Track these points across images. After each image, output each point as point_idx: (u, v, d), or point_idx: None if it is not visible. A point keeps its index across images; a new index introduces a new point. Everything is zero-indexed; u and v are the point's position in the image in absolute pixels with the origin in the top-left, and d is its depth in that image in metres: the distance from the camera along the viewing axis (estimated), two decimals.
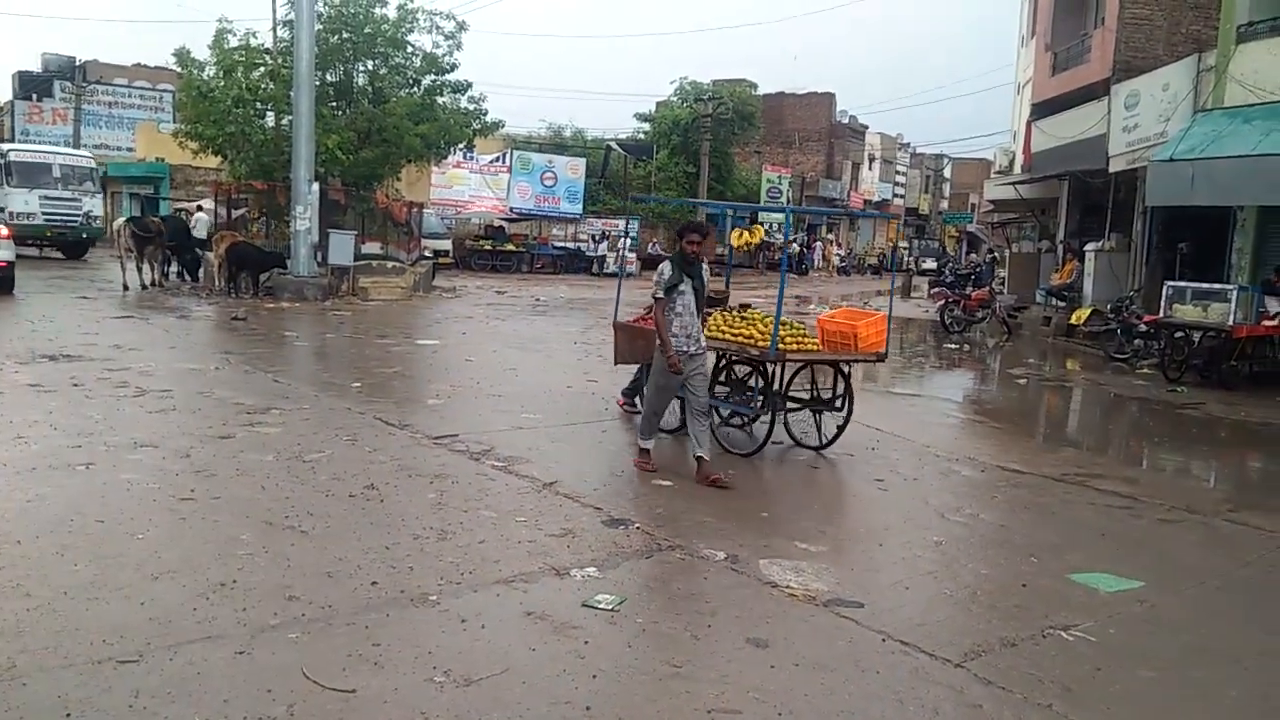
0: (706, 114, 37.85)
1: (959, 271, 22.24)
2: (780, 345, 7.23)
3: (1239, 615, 4.96)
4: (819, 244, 47.88)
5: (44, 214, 23.46)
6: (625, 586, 4.57)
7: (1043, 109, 21.88)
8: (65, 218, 23.58)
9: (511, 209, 34.68)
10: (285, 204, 18.98)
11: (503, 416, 8.36)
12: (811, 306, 22.74)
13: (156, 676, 3.47)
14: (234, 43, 19.96)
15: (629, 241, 35.16)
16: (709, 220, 39.02)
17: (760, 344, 7.37)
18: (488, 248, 32.06)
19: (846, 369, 7.87)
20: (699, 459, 6.60)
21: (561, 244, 34.90)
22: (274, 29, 21.29)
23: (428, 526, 5.27)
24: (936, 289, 20.17)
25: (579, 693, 3.56)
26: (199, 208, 25.81)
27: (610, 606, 4.32)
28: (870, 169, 57.20)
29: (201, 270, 18.96)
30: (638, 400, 8.48)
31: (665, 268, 6.63)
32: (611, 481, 6.48)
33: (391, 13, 20.61)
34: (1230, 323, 12.61)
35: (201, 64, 20.16)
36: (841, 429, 7.83)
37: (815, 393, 7.96)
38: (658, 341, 6.64)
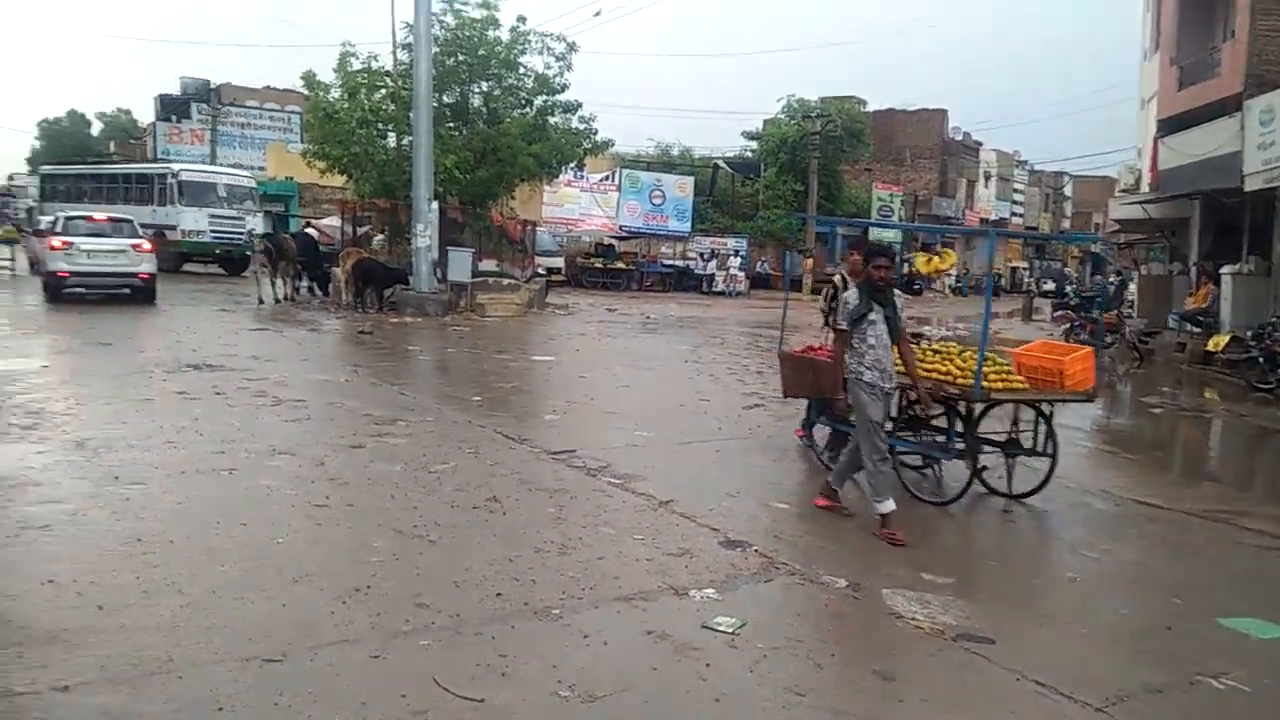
0: (815, 131, 37.51)
1: (1083, 294, 21.32)
2: (984, 383, 6.46)
3: None
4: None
5: (212, 231, 24.87)
6: (745, 610, 4.54)
7: (1170, 125, 20.84)
8: (230, 235, 24.84)
9: (621, 227, 35.10)
10: (406, 222, 19.65)
11: (618, 433, 8.45)
12: (928, 328, 22.17)
13: (299, 676, 3.63)
14: (357, 66, 20.80)
15: (739, 260, 35.15)
16: (817, 239, 38.70)
17: (960, 381, 6.63)
18: (598, 265, 32.51)
19: (1048, 409, 6.99)
20: (831, 488, 6.33)
21: (670, 262, 35.12)
22: (394, 52, 22.15)
23: (548, 540, 5.36)
24: (1060, 312, 19.42)
25: (703, 715, 3.56)
26: (307, 224, 27.05)
27: (731, 629, 4.30)
28: (986, 186, 55.62)
29: (330, 285, 19.81)
30: (815, 434, 7.98)
31: (851, 295, 6.05)
32: (727, 502, 6.45)
33: (504, 35, 21.18)
34: None
35: (327, 86, 21.07)
36: (1047, 478, 6.89)
37: (1013, 435, 7.08)
38: (851, 375, 6.02)
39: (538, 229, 28.60)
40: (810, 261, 37.45)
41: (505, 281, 20.86)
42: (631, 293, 30.68)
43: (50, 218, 22.26)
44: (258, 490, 6.01)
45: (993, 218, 54.91)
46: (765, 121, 43.07)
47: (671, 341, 17.18)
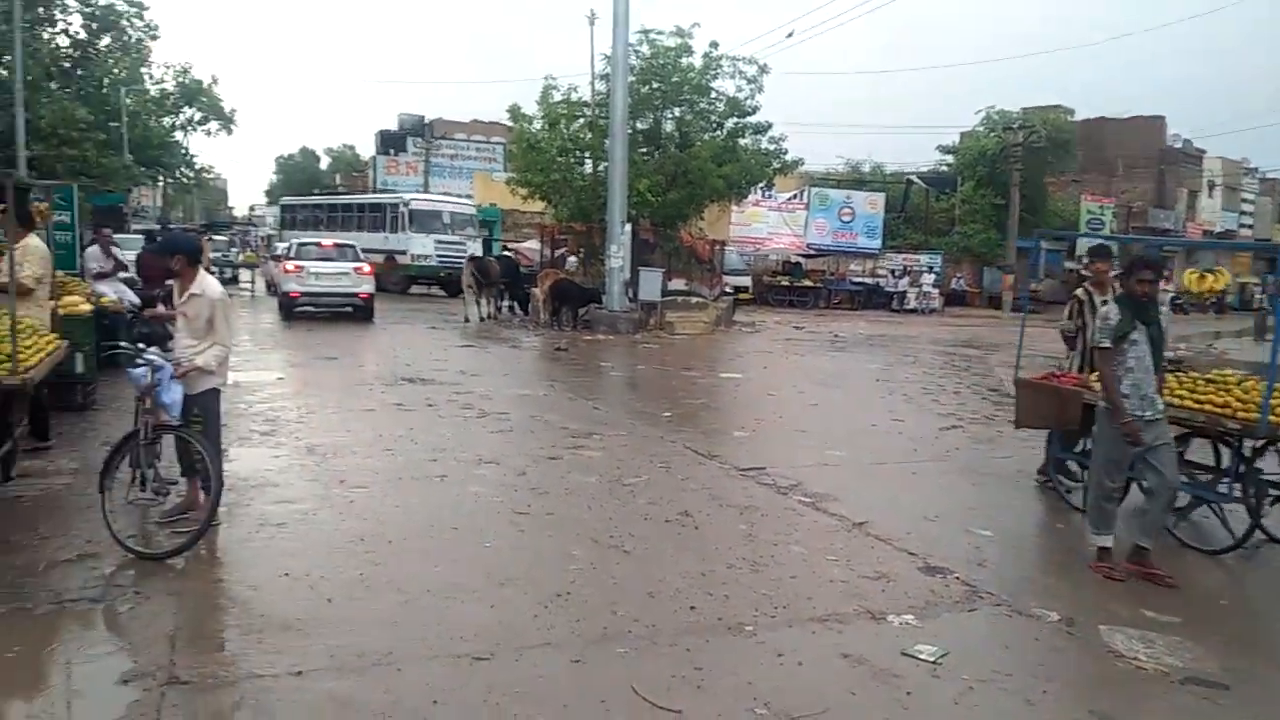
0: (1016, 143, 35.64)
1: None
2: (1272, 417, 5.64)
3: None
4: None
5: (437, 256, 26.80)
6: (947, 639, 4.37)
7: None
8: (454, 259, 26.41)
9: (809, 245, 34.68)
10: (600, 243, 20.29)
11: (808, 452, 8.34)
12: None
13: (506, 675, 3.82)
14: (558, 97, 21.73)
15: (933, 277, 33.94)
16: (1019, 254, 36.70)
17: (1242, 415, 5.79)
18: (785, 283, 32.24)
19: None
20: (1141, 548, 5.49)
21: (859, 279, 34.34)
22: (592, 83, 22.95)
23: (740, 557, 5.37)
24: None
25: None
26: (506, 248, 28.45)
27: (932, 658, 4.15)
28: (1210, 196, 50.94)
29: (529, 304, 20.72)
30: (1056, 474, 7.27)
31: (1111, 311, 5.53)
32: (925, 526, 6.22)
33: (697, 61, 21.48)
34: None
35: (530, 118, 22.13)
36: None
37: None
38: (1100, 404, 5.56)
39: (725, 248, 28.73)
40: (1010, 278, 35.63)
41: (694, 300, 21.09)
42: (818, 311, 30.22)
43: (285, 244, 24.62)
44: (466, 496, 6.36)
45: (1217, 230, 50.23)
46: (962, 134, 41.41)
47: (861, 360, 16.79)
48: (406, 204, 27.63)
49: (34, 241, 7.21)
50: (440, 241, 26.86)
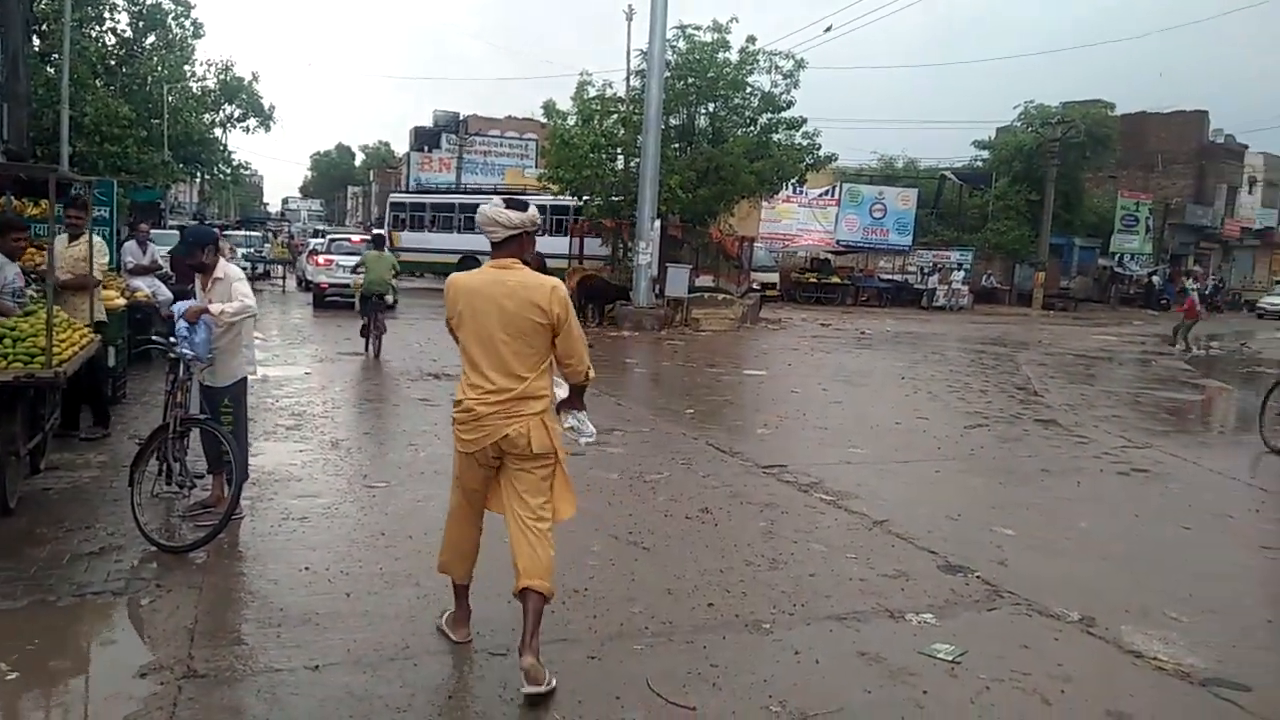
0: (1054, 138, 35.14)
1: None
2: None
3: None
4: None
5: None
6: (965, 638, 4.34)
7: None
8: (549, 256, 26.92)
9: (838, 242, 34.47)
10: (630, 240, 20.30)
11: (830, 450, 8.31)
12: (1175, 348, 20.25)
13: (518, 671, 3.83)
14: (592, 93, 21.76)
15: (962, 274, 33.62)
16: (1051, 252, 36.22)
17: None
18: (813, 280, 32.11)
19: None
20: None
21: (888, 276, 34.10)
22: (628, 78, 22.96)
23: (759, 554, 5.36)
24: None
25: None
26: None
27: (950, 657, 4.12)
28: (1250, 193, 49.94)
29: None
30: None
31: None
32: (946, 525, 6.18)
33: (734, 56, 21.40)
34: None
35: (564, 114, 22.17)
36: None
37: None
38: None
39: (754, 245, 28.65)
40: (1041, 275, 35.22)
41: (720, 297, 21.08)
42: (846, 308, 30.04)
43: (320, 240, 24.95)
44: None
45: (1256, 227, 49.26)
46: (999, 130, 40.90)
47: (887, 357, 16.69)
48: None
49: (97, 238, 7.48)
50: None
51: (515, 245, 3.79)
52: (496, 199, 3.94)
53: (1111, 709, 3.75)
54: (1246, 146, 49.01)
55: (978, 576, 5.19)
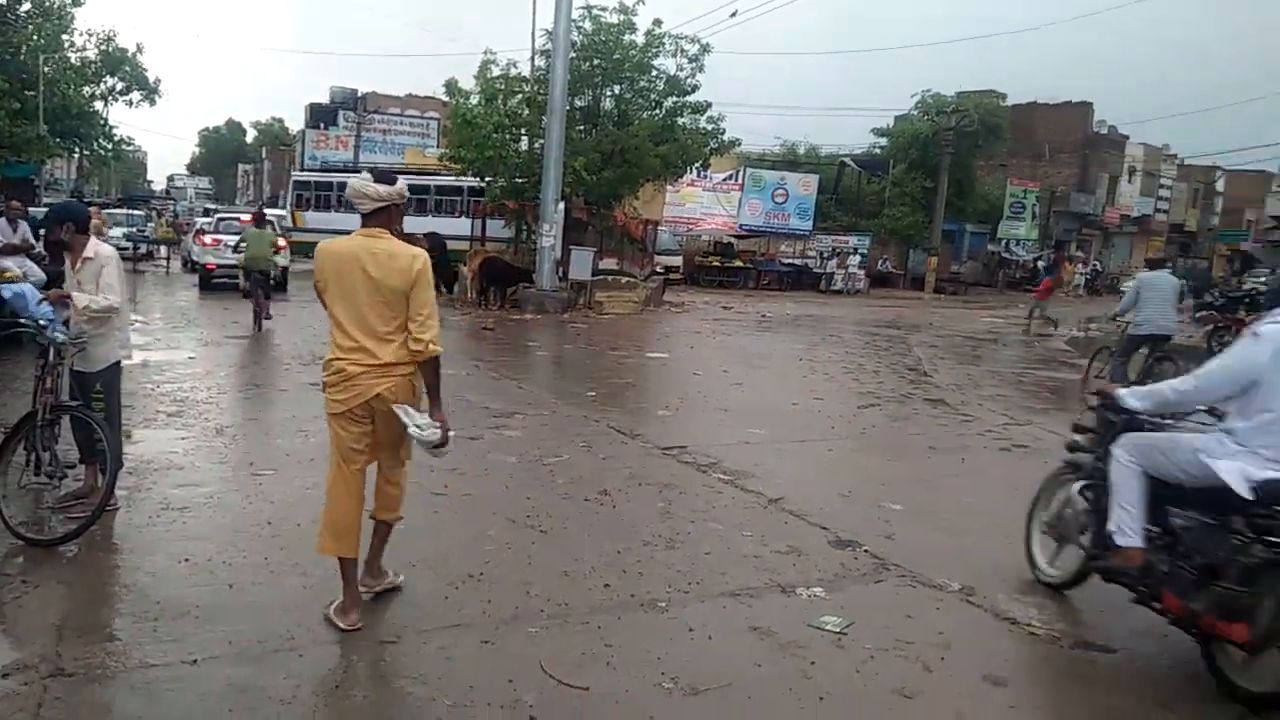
0: (949, 127, 36.28)
1: (1230, 294, 19.90)
2: None
3: None
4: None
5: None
6: (853, 610, 4.47)
7: None
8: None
9: (741, 226, 34.91)
10: (533, 222, 20.11)
11: (729, 431, 8.42)
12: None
13: (412, 657, 3.79)
14: (496, 73, 21.41)
15: (858, 259, 34.51)
16: (944, 237, 37.46)
17: None
18: (715, 264, 32.44)
19: None
20: None
21: (789, 260, 34.71)
22: (532, 58, 22.65)
23: (657, 534, 5.40)
24: (1204, 312, 18.20)
25: (805, 713, 3.53)
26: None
27: (837, 629, 4.24)
28: (1130, 182, 52.63)
29: (456, 283, 20.47)
30: None
31: None
32: (837, 501, 6.35)
33: (640, 39, 21.36)
34: None
35: (467, 93, 21.78)
36: None
37: None
38: None
39: (658, 228, 28.77)
40: (934, 260, 36.37)
41: (624, 280, 21.11)
42: (748, 291, 30.47)
43: (207, 219, 23.89)
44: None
45: (1133, 214, 51.99)
46: (897, 118, 41.95)
47: (786, 340, 17.02)
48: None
49: None
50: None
51: (384, 217, 3.97)
52: (365, 173, 4.08)
53: (988, 674, 3.92)
54: (1128, 137, 51.57)
55: (866, 550, 5.34)
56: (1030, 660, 4.15)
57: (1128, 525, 4.11)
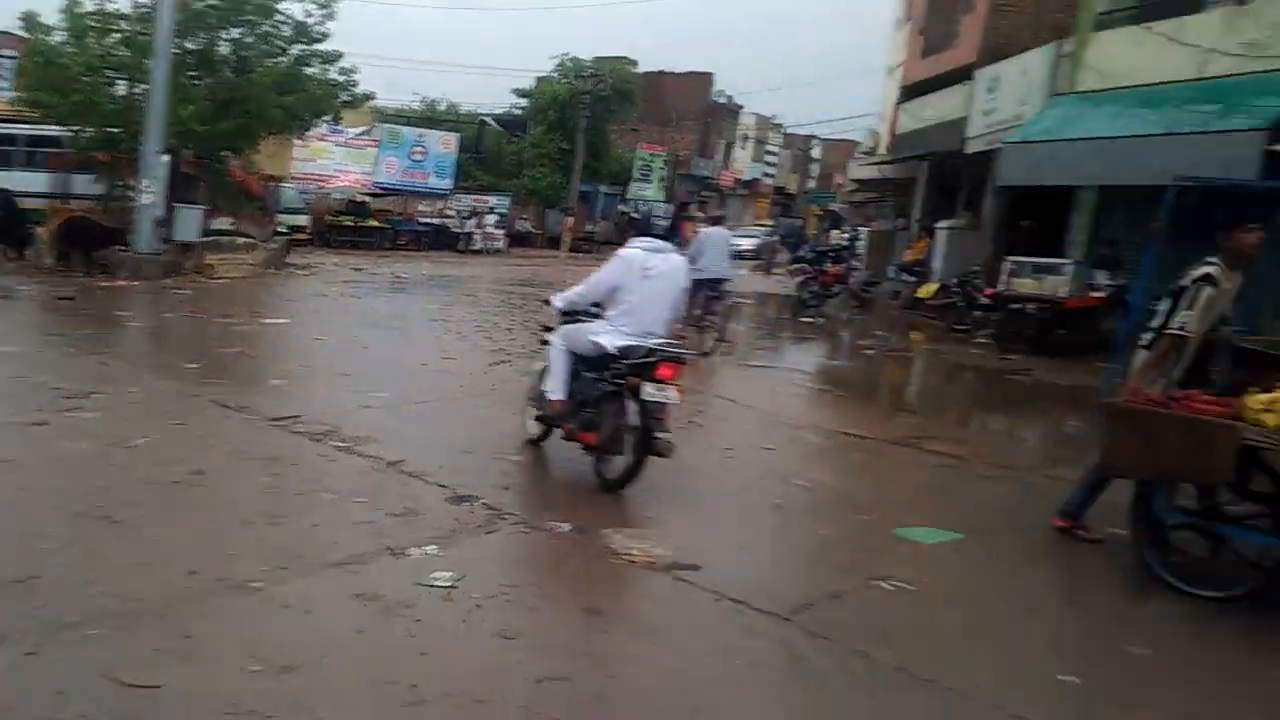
0: (585, 91, 37.48)
1: (820, 249, 22.78)
2: None
3: (1045, 563, 5.29)
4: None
5: None
6: (465, 563, 4.47)
7: (912, 92, 22.40)
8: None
9: (377, 184, 33.56)
10: (131, 177, 17.78)
11: (350, 396, 8.06)
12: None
13: None
14: (88, 7, 18.59)
15: (495, 218, 34.78)
16: (580, 198, 38.91)
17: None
18: (348, 223, 30.87)
19: None
20: None
21: (427, 219, 34.02)
22: None
23: (258, 511, 5.02)
24: (796, 265, 20.68)
25: (405, 671, 3.47)
26: None
27: (446, 584, 4.22)
28: (743, 148, 58.14)
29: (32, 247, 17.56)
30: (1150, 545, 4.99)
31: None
32: (460, 459, 6.30)
33: None
34: (1061, 294, 13.38)
35: (50, 28, 18.70)
36: None
37: None
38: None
39: (282, 185, 26.82)
40: (570, 220, 37.65)
41: (240, 241, 19.42)
42: (383, 251, 29.45)
43: None
44: None
45: (745, 178, 57.59)
46: (538, 79, 42.47)
47: (420, 301, 16.73)
48: None
49: None
50: None
51: None
52: None
53: (589, 605, 4.13)
54: (742, 107, 56.77)
55: (483, 503, 5.37)
56: (627, 587, 4.43)
57: (555, 385, 5.96)
